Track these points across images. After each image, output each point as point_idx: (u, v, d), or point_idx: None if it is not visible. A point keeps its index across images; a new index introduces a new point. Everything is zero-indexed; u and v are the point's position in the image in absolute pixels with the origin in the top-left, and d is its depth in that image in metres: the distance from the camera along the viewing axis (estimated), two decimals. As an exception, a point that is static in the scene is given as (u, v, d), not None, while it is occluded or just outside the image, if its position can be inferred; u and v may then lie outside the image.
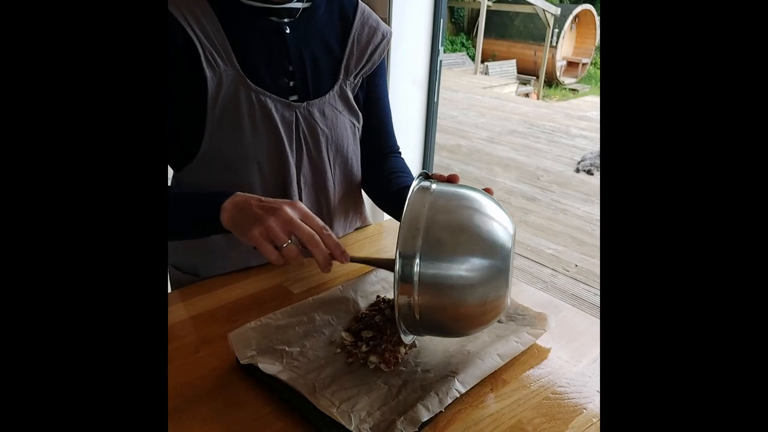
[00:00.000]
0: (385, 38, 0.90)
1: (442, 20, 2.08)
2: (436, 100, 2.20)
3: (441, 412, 0.56)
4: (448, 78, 8.77)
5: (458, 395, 0.58)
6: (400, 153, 1.01)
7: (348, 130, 0.89)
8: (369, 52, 0.88)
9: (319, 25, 0.84)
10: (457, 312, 0.58)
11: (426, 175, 0.66)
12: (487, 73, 10.62)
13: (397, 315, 0.57)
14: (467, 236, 0.57)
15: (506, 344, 0.65)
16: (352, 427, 0.53)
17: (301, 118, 0.82)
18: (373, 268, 0.80)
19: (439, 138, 4.55)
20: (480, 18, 10.62)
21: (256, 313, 0.73)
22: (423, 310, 0.58)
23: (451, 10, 12.95)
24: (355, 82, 0.88)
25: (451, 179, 0.67)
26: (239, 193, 0.70)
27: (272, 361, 0.61)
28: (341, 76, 0.86)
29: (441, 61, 2.19)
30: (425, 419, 0.54)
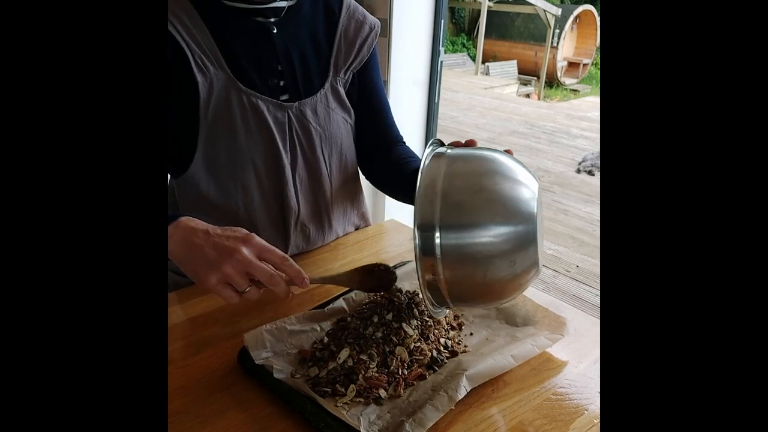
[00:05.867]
0: (373, 30, 0.89)
1: (442, 21, 2.08)
2: (436, 100, 2.19)
3: (451, 409, 0.56)
4: (448, 78, 8.75)
5: (466, 392, 0.57)
6: (404, 142, 1.00)
7: (341, 127, 0.89)
8: (357, 46, 0.88)
9: (305, 22, 0.84)
10: (487, 282, 0.55)
11: (440, 142, 0.65)
12: (487, 74, 10.61)
13: (423, 294, 0.56)
14: (489, 197, 0.54)
15: (521, 346, 0.64)
16: (361, 429, 0.53)
17: (293, 118, 0.82)
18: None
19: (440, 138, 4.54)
20: (481, 18, 10.61)
21: (257, 315, 0.73)
22: (450, 285, 0.55)
23: (451, 10, 12.94)
24: (346, 77, 0.88)
25: (469, 144, 0.66)
26: (183, 219, 0.63)
27: (285, 365, 0.61)
28: (331, 73, 0.86)
29: (442, 61, 2.19)
30: (434, 421, 0.54)
